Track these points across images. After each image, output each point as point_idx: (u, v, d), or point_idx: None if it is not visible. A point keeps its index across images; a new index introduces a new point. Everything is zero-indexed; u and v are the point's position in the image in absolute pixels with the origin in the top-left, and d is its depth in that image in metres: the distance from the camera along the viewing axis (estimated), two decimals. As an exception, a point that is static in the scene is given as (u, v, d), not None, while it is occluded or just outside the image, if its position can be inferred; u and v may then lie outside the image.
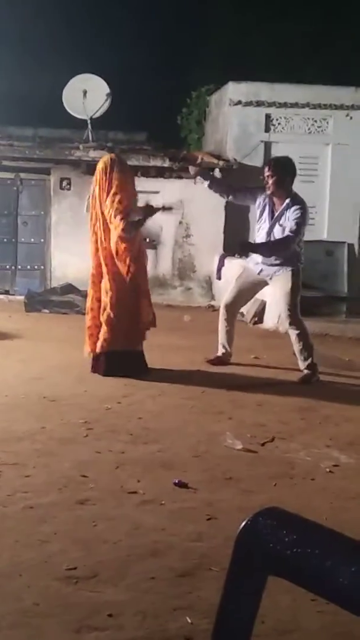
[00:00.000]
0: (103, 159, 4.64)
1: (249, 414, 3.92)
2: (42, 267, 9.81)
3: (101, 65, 10.85)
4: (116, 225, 4.41)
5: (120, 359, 4.53)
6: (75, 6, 13.56)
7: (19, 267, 9.80)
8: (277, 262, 4.83)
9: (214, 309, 9.05)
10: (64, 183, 9.66)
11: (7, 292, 9.60)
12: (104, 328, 4.51)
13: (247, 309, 8.02)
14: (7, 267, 9.78)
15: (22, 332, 6.41)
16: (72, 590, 1.96)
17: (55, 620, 1.82)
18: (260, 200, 4.86)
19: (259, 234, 4.97)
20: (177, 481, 2.79)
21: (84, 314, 7.76)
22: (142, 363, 4.65)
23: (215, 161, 9.81)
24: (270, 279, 4.91)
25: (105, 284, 4.53)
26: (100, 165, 4.55)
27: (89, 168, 9.63)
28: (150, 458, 3.10)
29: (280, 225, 4.77)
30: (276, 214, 4.80)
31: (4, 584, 1.98)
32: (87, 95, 10.10)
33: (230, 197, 5.09)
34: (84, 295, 8.39)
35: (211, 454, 3.20)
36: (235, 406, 4.08)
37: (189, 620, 1.83)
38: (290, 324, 4.79)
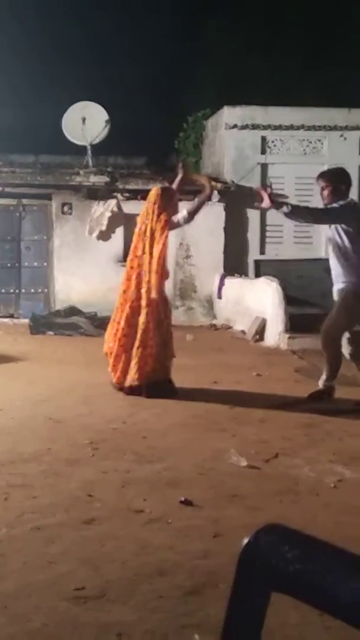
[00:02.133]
0: (152, 191, 5.07)
1: (252, 431, 3.94)
2: (46, 290, 9.90)
3: (99, 93, 11.07)
4: (164, 234, 4.81)
5: (158, 385, 4.71)
6: (72, 36, 13.86)
7: (23, 290, 9.90)
8: (336, 279, 4.64)
9: (215, 328, 9.10)
10: (66, 208, 9.78)
11: (12, 316, 9.69)
12: (143, 361, 4.67)
13: (248, 328, 8.06)
14: (12, 291, 9.89)
15: (28, 354, 6.46)
16: (81, 610, 1.97)
17: (65, 640, 1.83)
18: None
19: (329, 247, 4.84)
20: (183, 499, 2.81)
21: (88, 335, 7.89)
22: (173, 385, 4.82)
23: (214, 184, 9.93)
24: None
25: (143, 317, 4.69)
26: (149, 198, 4.98)
27: (90, 193, 9.79)
28: (156, 477, 3.11)
29: (336, 231, 4.59)
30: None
31: (13, 605, 1.99)
32: (86, 122, 10.29)
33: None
34: (88, 317, 8.50)
35: (216, 471, 3.22)
36: (239, 423, 4.10)
37: (198, 638, 1.84)
38: (323, 344, 4.67)
